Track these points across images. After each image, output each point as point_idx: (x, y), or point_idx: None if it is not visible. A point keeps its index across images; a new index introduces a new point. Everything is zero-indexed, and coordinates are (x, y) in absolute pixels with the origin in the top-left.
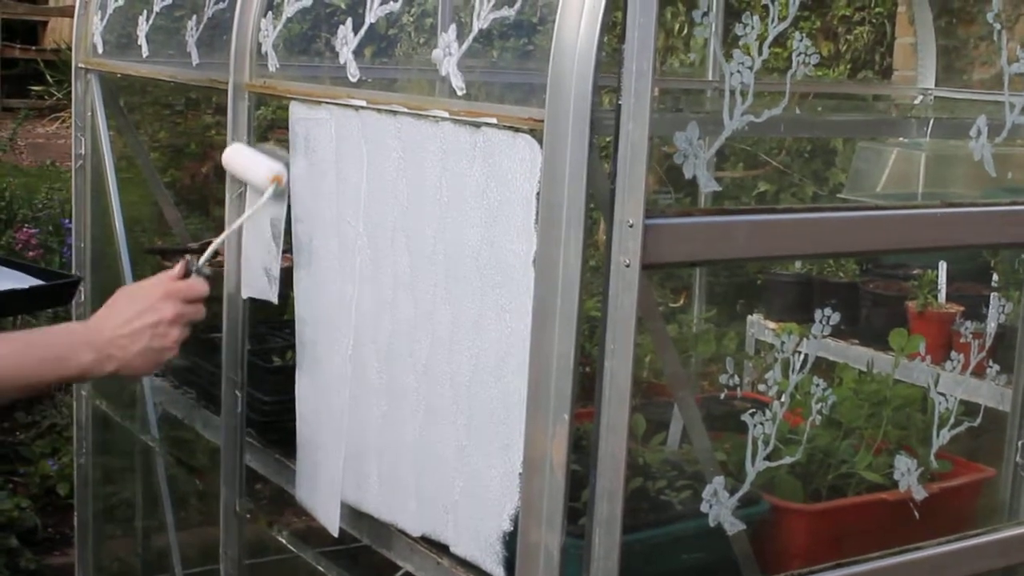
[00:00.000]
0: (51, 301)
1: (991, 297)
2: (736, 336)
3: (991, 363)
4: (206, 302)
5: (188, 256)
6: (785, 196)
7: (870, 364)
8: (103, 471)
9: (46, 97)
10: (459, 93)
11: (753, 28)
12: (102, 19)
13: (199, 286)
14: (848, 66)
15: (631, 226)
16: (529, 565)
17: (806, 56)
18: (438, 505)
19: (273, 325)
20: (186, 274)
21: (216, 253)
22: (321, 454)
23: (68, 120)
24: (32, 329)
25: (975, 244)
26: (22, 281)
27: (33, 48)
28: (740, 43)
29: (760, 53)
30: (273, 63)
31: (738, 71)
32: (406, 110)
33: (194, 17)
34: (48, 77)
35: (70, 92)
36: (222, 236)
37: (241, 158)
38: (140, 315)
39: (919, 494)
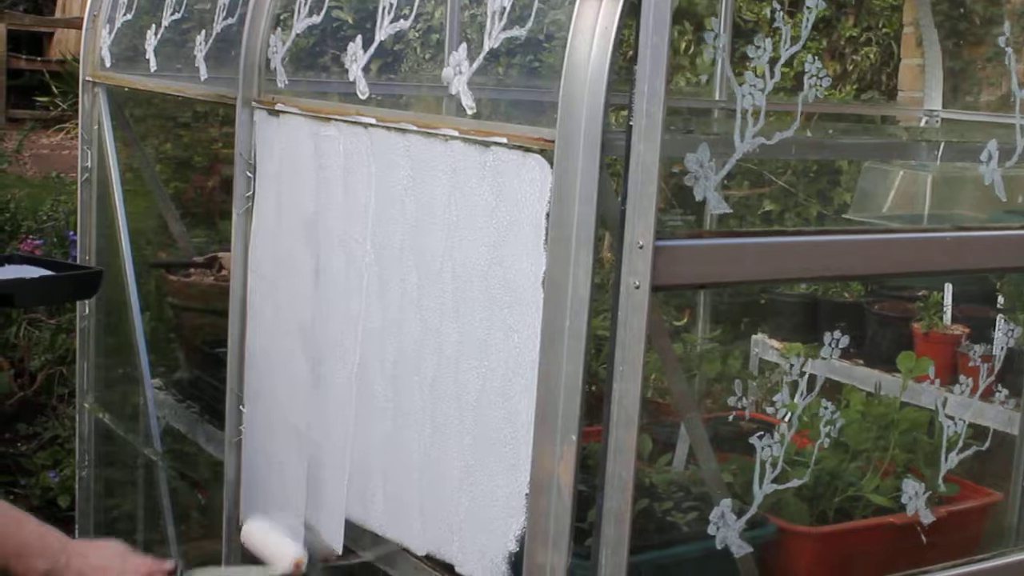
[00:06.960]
0: (77, 292)
1: (998, 320)
2: (740, 356)
3: (999, 387)
4: (210, 314)
5: (180, 562)
6: (790, 216)
7: (878, 387)
8: (105, 484)
9: (51, 108)
10: (469, 112)
11: (765, 51)
12: (110, 32)
13: None
14: (854, 87)
15: (641, 247)
16: None
17: (818, 78)
18: (443, 524)
19: None
20: (172, 574)
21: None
22: (326, 471)
23: (73, 131)
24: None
25: (986, 269)
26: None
27: (39, 59)
28: (751, 65)
29: (772, 75)
30: (282, 79)
31: (750, 93)
32: (415, 128)
33: (203, 32)
34: (54, 88)
35: (75, 103)
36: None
37: (262, 536)
38: (118, 574)
39: (926, 518)
